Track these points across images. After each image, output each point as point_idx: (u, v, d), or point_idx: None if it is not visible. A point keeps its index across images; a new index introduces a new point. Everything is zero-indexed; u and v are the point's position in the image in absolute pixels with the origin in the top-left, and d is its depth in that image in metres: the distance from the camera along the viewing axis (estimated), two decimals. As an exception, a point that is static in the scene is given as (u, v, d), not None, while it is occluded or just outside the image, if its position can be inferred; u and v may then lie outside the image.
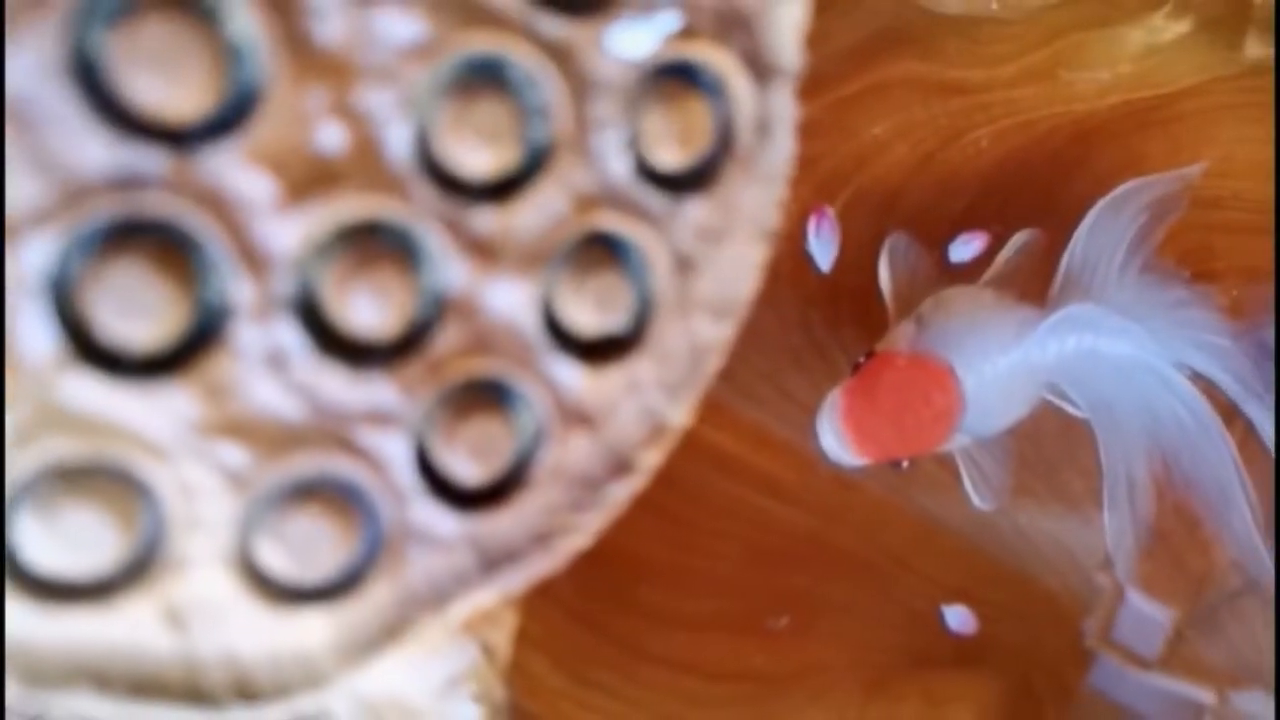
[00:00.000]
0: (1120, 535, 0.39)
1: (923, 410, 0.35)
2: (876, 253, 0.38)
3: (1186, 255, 0.43)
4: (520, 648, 0.29)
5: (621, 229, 0.19)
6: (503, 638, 0.22)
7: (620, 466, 0.21)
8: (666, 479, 0.37)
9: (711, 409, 0.38)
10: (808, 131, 0.40)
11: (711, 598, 0.34)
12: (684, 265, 0.21)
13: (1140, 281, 0.38)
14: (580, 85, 0.19)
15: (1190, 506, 0.40)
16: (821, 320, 0.40)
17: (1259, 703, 0.42)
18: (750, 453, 0.38)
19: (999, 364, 0.36)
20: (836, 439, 0.35)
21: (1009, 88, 0.40)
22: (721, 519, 0.37)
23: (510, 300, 0.19)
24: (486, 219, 0.19)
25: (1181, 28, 0.40)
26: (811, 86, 0.40)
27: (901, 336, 0.37)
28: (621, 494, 0.21)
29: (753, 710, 0.32)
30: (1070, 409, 0.38)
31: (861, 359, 0.36)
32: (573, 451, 0.20)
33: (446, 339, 0.19)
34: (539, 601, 0.30)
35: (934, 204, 0.40)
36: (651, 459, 0.22)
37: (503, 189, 0.19)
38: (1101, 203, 0.38)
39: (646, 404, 0.21)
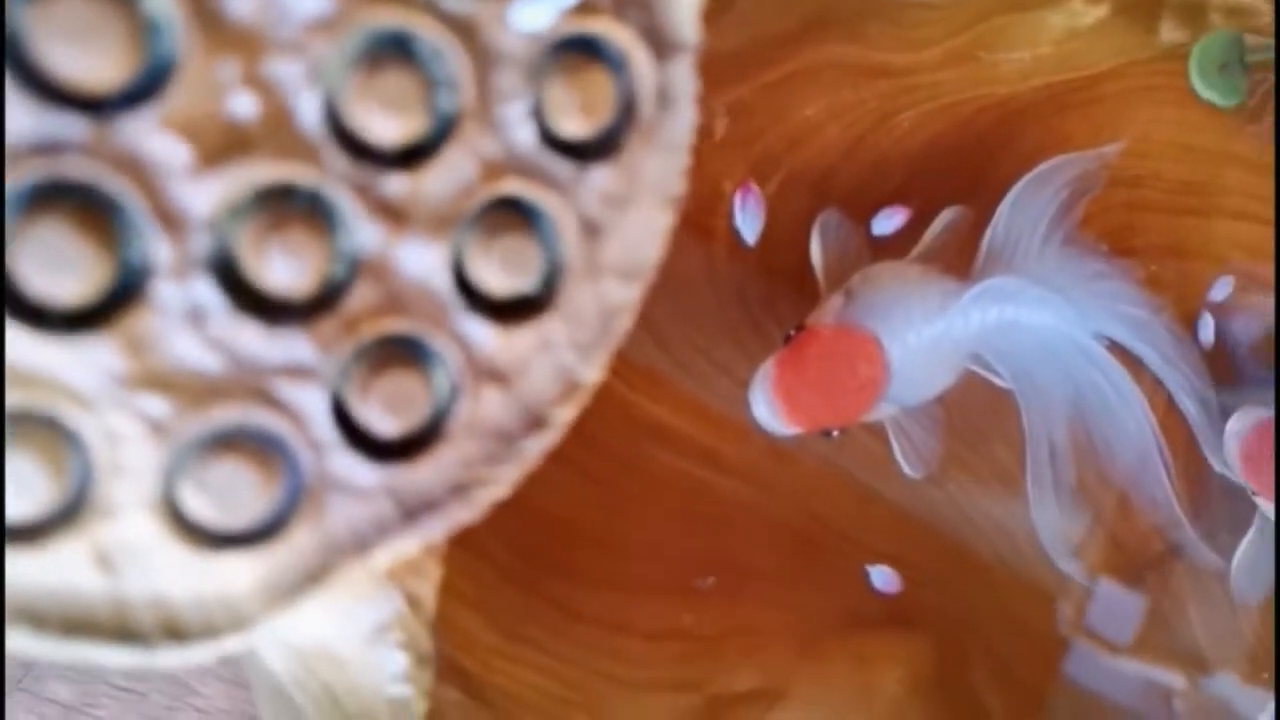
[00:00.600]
0: (1043, 501, 0.40)
1: (849, 380, 0.36)
2: (810, 231, 0.40)
3: (1108, 233, 0.44)
4: (454, 606, 0.30)
5: (528, 194, 0.21)
6: (428, 589, 0.23)
7: (534, 422, 0.22)
8: (604, 449, 0.38)
9: (650, 382, 0.40)
10: (740, 113, 0.42)
11: (645, 562, 0.35)
12: (591, 230, 0.22)
13: (1061, 255, 0.40)
14: (484, 58, 0.20)
15: (1112, 475, 0.41)
16: (757, 297, 0.41)
17: (1229, 687, 0.44)
18: (688, 425, 0.39)
19: (923, 334, 0.37)
20: (768, 409, 0.36)
21: (934, 70, 0.42)
22: (657, 488, 0.38)
23: (422, 261, 0.20)
24: (397, 184, 0.20)
25: (1099, 12, 0.42)
26: (742, 69, 0.41)
27: (830, 310, 0.38)
28: (536, 449, 0.23)
29: (684, 669, 0.34)
30: (995, 379, 0.40)
31: (792, 332, 0.37)
32: (487, 407, 0.22)
33: (360, 298, 0.20)
34: (473, 561, 0.31)
35: (865, 184, 0.41)
36: (565, 415, 0.23)
37: (412, 156, 0.20)
38: (1023, 180, 0.40)
39: (559, 362, 0.23)
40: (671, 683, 0.33)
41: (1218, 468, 0.42)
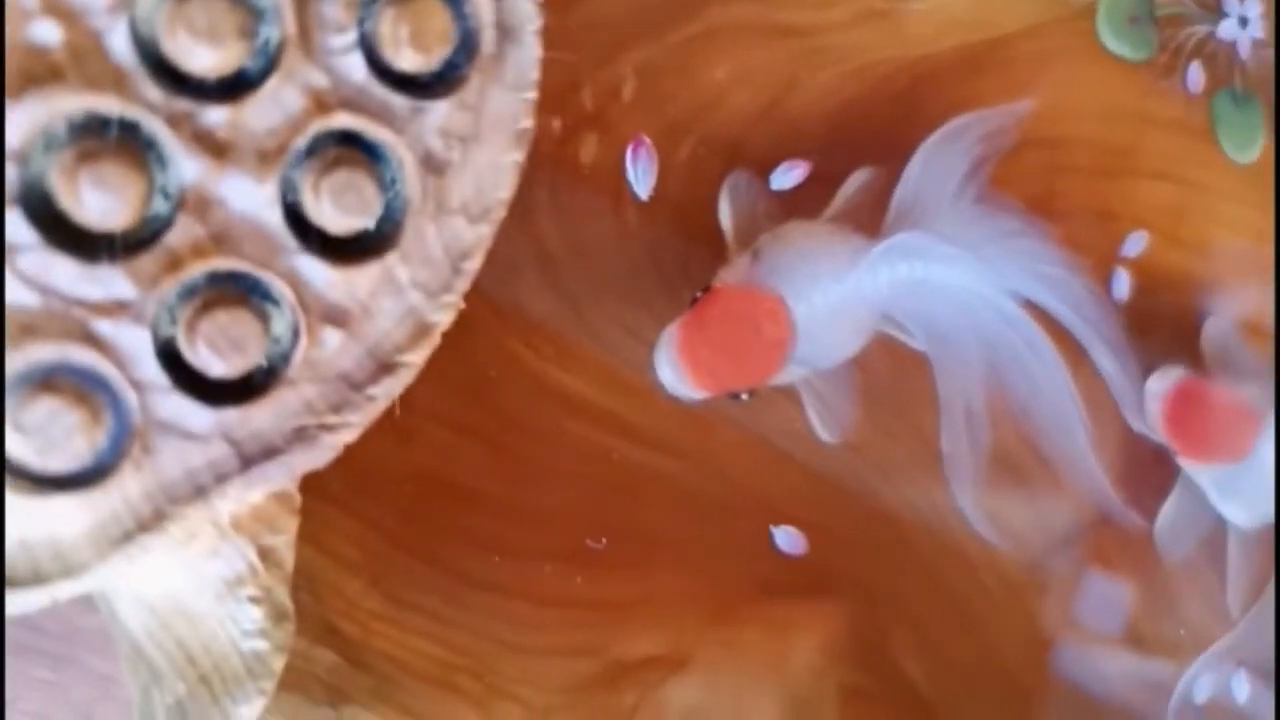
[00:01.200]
0: (958, 464, 0.40)
1: (754, 341, 0.36)
2: (722, 193, 0.39)
3: (1028, 196, 0.44)
4: (337, 572, 0.30)
5: (360, 129, 0.20)
6: (283, 543, 0.23)
7: (382, 367, 0.22)
8: (511, 418, 0.38)
9: (560, 350, 0.39)
10: (648, 75, 0.41)
11: (548, 530, 0.35)
12: (434, 166, 0.21)
13: (972, 212, 0.39)
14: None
15: (1030, 435, 0.41)
16: (671, 261, 0.40)
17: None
18: (599, 393, 0.39)
19: (830, 293, 0.36)
20: (673, 372, 0.36)
21: (843, 31, 0.41)
22: (566, 456, 0.37)
23: (249, 197, 0.20)
24: (216, 115, 0.19)
25: (1001, -29, 0.42)
26: (646, 30, 0.41)
27: (737, 270, 0.38)
28: (385, 394, 0.22)
29: (584, 634, 0.33)
30: (909, 341, 0.39)
31: (699, 294, 0.37)
32: (328, 349, 0.21)
33: (183, 234, 0.20)
34: (360, 529, 0.31)
35: (780, 147, 0.41)
36: (415, 359, 0.22)
37: (234, 87, 0.20)
38: (933, 136, 0.40)
39: (407, 305, 0.22)
40: (568, 648, 0.33)
41: (1137, 427, 0.42)
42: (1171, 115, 0.43)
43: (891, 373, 0.42)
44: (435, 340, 0.23)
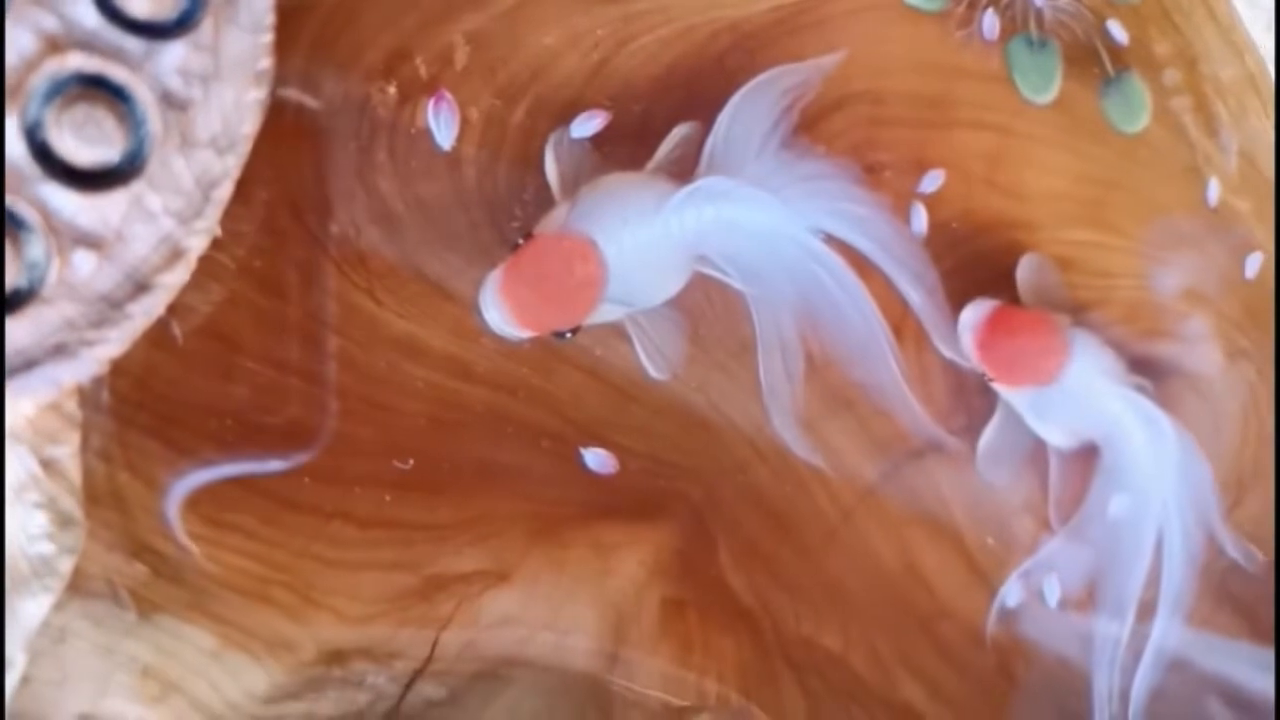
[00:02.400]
0: (776, 394, 0.43)
1: (567, 279, 0.39)
2: (553, 151, 0.42)
3: (854, 148, 0.47)
4: (151, 495, 0.33)
5: (94, 68, 0.23)
6: (66, 454, 0.25)
7: (139, 287, 0.25)
8: (346, 362, 0.41)
9: (403, 302, 0.42)
10: (480, 43, 0.44)
11: (376, 460, 0.37)
12: (175, 103, 0.24)
13: (777, 158, 0.42)
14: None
15: (843, 364, 0.44)
16: (508, 217, 0.43)
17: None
18: (441, 339, 0.42)
19: (639, 234, 0.39)
20: (496, 312, 0.39)
21: (662, -5, 0.44)
22: (402, 397, 0.40)
23: (-8, 131, 0.23)
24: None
25: (810, -64, 0.44)
26: (462, 2, 0.43)
27: (555, 217, 0.40)
28: (143, 312, 0.25)
29: (406, 552, 0.36)
30: (726, 279, 0.42)
31: (520, 240, 0.40)
32: (82, 271, 0.24)
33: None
34: (173, 455, 0.34)
35: (621, 108, 0.44)
36: (172, 280, 0.25)
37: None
38: (742, 90, 0.42)
39: (161, 231, 0.25)
40: (387, 563, 0.36)
41: (948, 355, 0.44)
42: (981, 67, 0.46)
43: (723, 310, 0.44)
44: (192, 263, 0.25)
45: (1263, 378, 0.49)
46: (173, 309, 0.31)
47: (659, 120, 0.44)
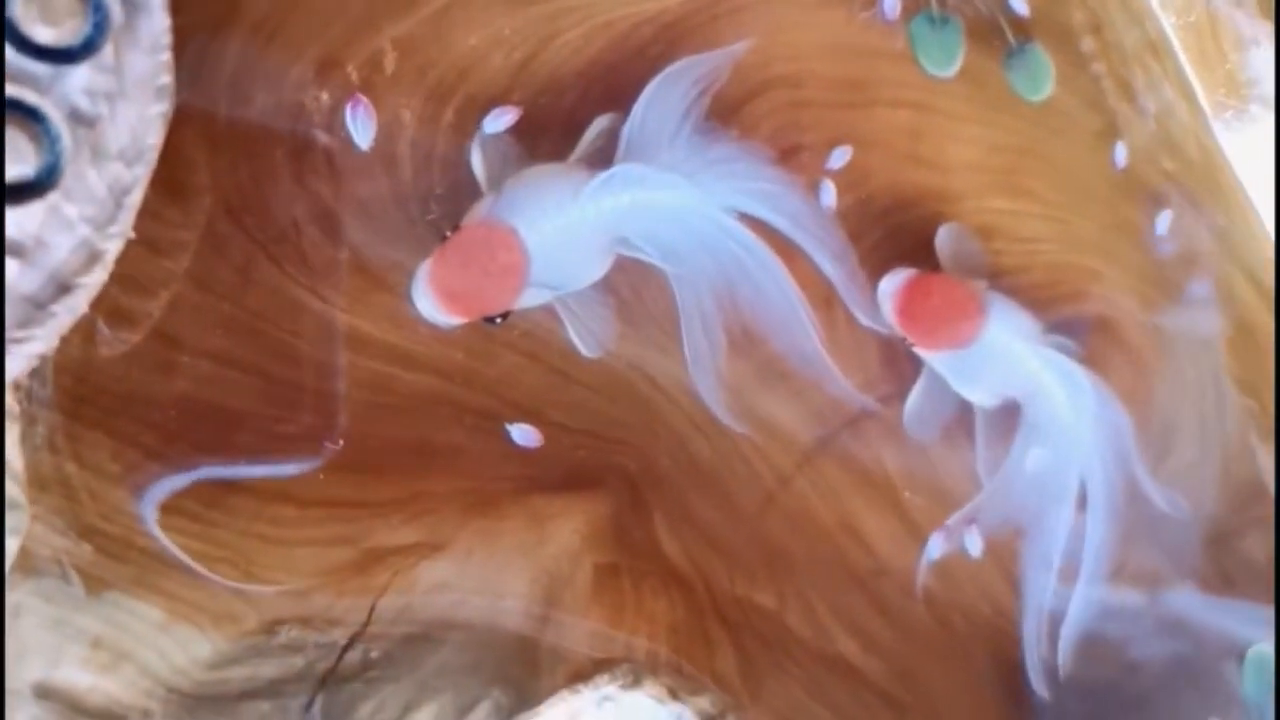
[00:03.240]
0: (700, 367, 0.45)
1: (491, 267, 0.41)
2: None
3: (778, 130, 0.49)
4: (97, 482, 0.35)
5: (10, 93, 0.26)
6: (8, 445, 0.28)
7: (61, 288, 0.27)
8: (289, 356, 0.43)
9: (346, 297, 0.44)
10: (408, 48, 0.46)
11: (317, 445, 0.40)
12: (84, 120, 0.27)
13: (690, 143, 0.45)
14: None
15: (763, 337, 0.46)
16: (443, 213, 0.46)
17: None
18: (384, 331, 0.44)
19: (558, 221, 0.42)
20: (426, 301, 0.42)
21: (581, -7, 0.46)
22: (346, 385, 0.43)
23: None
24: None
25: (717, -73, 0.47)
26: (396, 7, 0.46)
27: (480, 209, 0.43)
28: (67, 310, 0.28)
29: (345, 529, 0.39)
30: (648, 260, 0.45)
31: (448, 233, 0.42)
32: (10, 276, 0.26)
33: None
34: (118, 446, 0.36)
35: (540, 103, 0.46)
36: (90, 280, 0.28)
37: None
38: (656, 79, 0.45)
39: (80, 237, 0.27)
40: (326, 540, 0.38)
41: (865, 322, 0.47)
42: (882, 44, 0.48)
43: (655, 290, 0.47)
44: (109, 264, 0.28)
45: (1180, 326, 0.51)
46: (109, 311, 0.34)
47: (583, 112, 0.46)
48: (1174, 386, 0.52)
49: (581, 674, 0.36)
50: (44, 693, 0.30)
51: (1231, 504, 0.53)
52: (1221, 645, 0.51)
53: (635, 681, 0.36)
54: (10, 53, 0.26)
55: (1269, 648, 0.50)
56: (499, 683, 0.35)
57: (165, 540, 0.35)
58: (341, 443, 0.39)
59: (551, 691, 0.35)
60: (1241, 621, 0.51)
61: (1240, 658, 0.50)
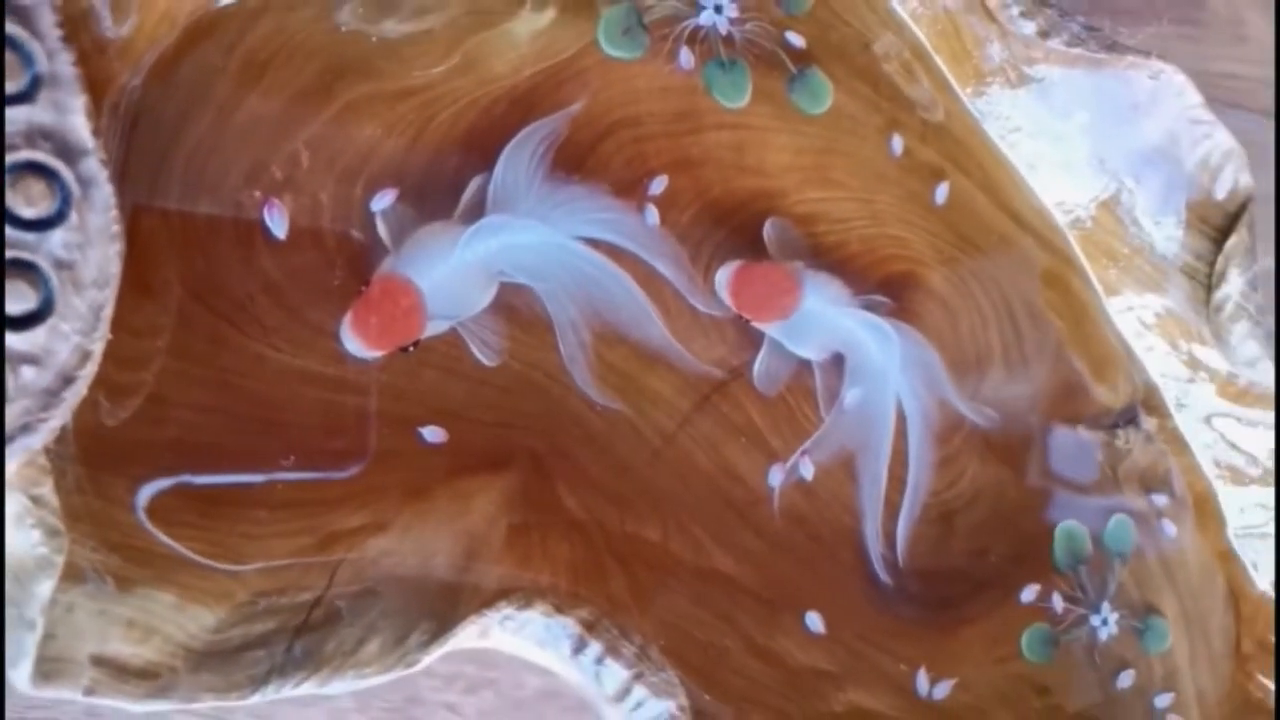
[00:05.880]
0: (574, 363, 0.58)
1: (395, 310, 0.54)
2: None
3: (630, 162, 0.61)
4: (117, 511, 0.49)
5: (14, 254, 0.39)
6: (47, 490, 0.42)
7: (66, 380, 0.41)
8: (254, 398, 0.57)
9: (294, 344, 0.57)
10: (317, 147, 0.59)
11: (280, 462, 0.53)
12: (65, 266, 0.40)
13: (542, 189, 0.57)
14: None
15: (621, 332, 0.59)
16: (358, 272, 0.59)
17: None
18: (327, 367, 0.55)
19: (444, 267, 0.54)
20: (352, 341, 0.55)
21: (448, 81, 0.58)
22: (304, 414, 0.56)
23: (-42, 306, 0.39)
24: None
25: (550, 13, 0.59)
26: (304, 115, 0.59)
27: (386, 265, 0.56)
28: (73, 395, 0.41)
29: (307, 521, 0.51)
30: (525, 283, 0.58)
31: (363, 288, 0.56)
32: (29, 379, 0.40)
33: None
34: (130, 484, 0.50)
35: (432, 171, 0.58)
36: (85, 372, 0.41)
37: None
38: (510, 144, 0.58)
39: (74, 344, 0.41)
40: (293, 530, 0.51)
41: (704, 309, 0.60)
42: (690, 85, 0.61)
43: (535, 305, 0.60)
44: (98, 359, 0.42)
45: (974, 272, 0.63)
46: (108, 386, 0.48)
47: (462, 174, 0.56)
48: (974, 321, 0.64)
49: (488, 603, 0.50)
50: (98, 661, 0.44)
51: (1044, 407, 0.65)
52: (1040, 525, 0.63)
53: (527, 603, 0.49)
54: (9, 229, 0.39)
55: (1075, 523, 0.63)
56: (428, 617, 0.49)
57: (173, 544, 0.48)
58: (293, 459, 0.52)
59: (466, 617, 0.49)
60: (1055, 507, 0.64)
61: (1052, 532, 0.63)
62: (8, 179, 0.38)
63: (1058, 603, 0.60)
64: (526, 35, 0.55)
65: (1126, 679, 0.58)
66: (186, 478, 0.49)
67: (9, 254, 0.38)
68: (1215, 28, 0.79)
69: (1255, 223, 0.59)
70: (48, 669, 0.42)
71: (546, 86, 0.57)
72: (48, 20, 0.37)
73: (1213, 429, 0.61)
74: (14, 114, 0.37)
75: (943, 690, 0.58)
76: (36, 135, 0.38)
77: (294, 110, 0.56)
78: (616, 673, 0.46)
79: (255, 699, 0.44)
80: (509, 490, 0.53)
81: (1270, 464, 0.60)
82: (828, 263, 0.58)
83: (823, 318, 0.56)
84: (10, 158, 0.38)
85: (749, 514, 0.58)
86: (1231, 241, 0.54)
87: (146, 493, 0.48)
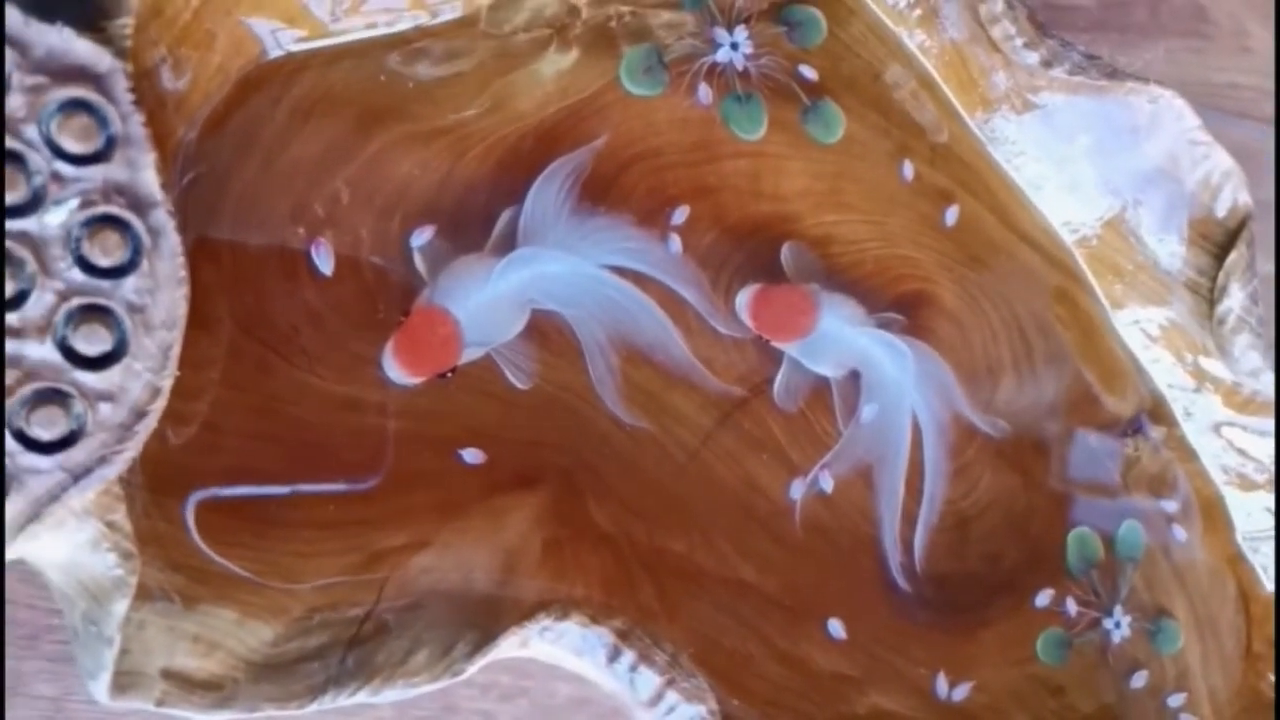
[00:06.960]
0: (603, 384, 0.61)
1: (433, 340, 0.57)
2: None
3: (652, 191, 0.62)
4: (177, 533, 0.52)
5: (91, 300, 0.43)
6: (120, 516, 0.45)
7: (138, 415, 0.44)
8: (302, 424, 0.60)
9: (339, 374, 0.61)
10: (357, 186, 0.62)
11: (332, 484, 0.57)
12: (137, 309, 0.44)
13: (570, 221, 0.61)
14: (39, 247, 0.42)
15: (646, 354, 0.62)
16: (397, 303, 0.62)
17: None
18: (370, 394, 0.58)
19: (479, 297, 0.58)
20: (393, 369, 0.58)
21: (479, 121, 0.62)
22: (345, 438, 0.59)
23: (39, 350, 0.42)
24: (11, 318, 0.42)
25: (573, 54, 0.62)
26: (344, 155, 0.62)
27: (423, 298, 0.60)
28: (144, 427, 0.45)
29: (354, 540, 0.55)
30: (555, 310, 0.61)
31: (402, 318, 0.59)
32: (104, 413, 0.43)
33: (11, 378, 0.42)
34: (175, 508, 0.53)
35: (465, 204, 0.61)
36: (155, 407, 0.45)
37: (14, 302, 0.42)
38: (539, 179, 0.61)
39: (145, 381, 0.44)
40: (342, 549, 0.55)
41: (725, 330, 0.63)
42: (708, 117, 0.64)
43: (565, 330, 0.63)
44: (166, 395, 0.45)
45: (984, 289, 0.66)
46: (172, 416, 0.52)
47: (493, 207, 0.58)
48: (986, 336, 0.67)
49: (528, 615, 0.53)
50: (167, 674, 0.47)
51: (1055, 417, 0.68)
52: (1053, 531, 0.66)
53: (564, 614, 0.52)
54: (86, 277, 0.43)
55: (1087, 529, 0.65)
56: (471, 628, 0.52)
57: (231, 565, 0.51)
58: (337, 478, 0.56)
59: (507, 628, 0.52)
60: (1067, 513, 0.66)
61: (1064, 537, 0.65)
62: (85, 231, 0.42)
63: (1071, 606, 0.62)
64: (551, 75, 0.56)
65: (1140, 679, 0.60)
66: (230, 489, 0.52)
67: (87, 300, 0.42)
68: (1220, 40, 0.81)
69: (1254, 238, 0.61)
70: (124, 682, 0.45)
71: (570, 122, 0.58)
72: (121, 86, 0.41)
73: (1220, 437, 0.63)
74: (91, 172, 0.41)
75: (961, 692, 0.60)
76: (112, 191, 0.42)
77: (335, 152, 0.59)
78: (649, 679, 0.48)
79: (312, 708, 0.48)
80: (541, 507, 0.54)
81: (1277, 470, 0.62)
82: (843, 283, 0.60)
83: (839, 336, 0.58)
84: (88, 212, 0.42)
85: (771, 525, 0.59)
86: (1232, 257, 0.57)
87: (206, 515, 0.51)
